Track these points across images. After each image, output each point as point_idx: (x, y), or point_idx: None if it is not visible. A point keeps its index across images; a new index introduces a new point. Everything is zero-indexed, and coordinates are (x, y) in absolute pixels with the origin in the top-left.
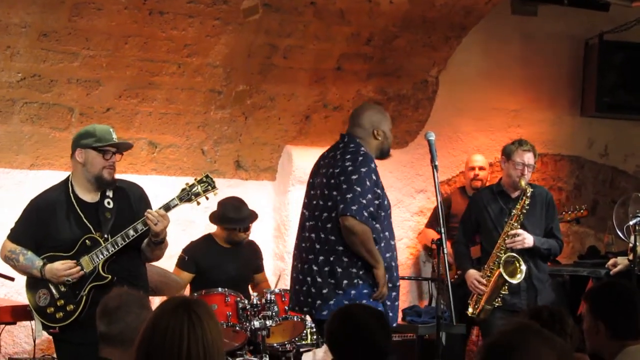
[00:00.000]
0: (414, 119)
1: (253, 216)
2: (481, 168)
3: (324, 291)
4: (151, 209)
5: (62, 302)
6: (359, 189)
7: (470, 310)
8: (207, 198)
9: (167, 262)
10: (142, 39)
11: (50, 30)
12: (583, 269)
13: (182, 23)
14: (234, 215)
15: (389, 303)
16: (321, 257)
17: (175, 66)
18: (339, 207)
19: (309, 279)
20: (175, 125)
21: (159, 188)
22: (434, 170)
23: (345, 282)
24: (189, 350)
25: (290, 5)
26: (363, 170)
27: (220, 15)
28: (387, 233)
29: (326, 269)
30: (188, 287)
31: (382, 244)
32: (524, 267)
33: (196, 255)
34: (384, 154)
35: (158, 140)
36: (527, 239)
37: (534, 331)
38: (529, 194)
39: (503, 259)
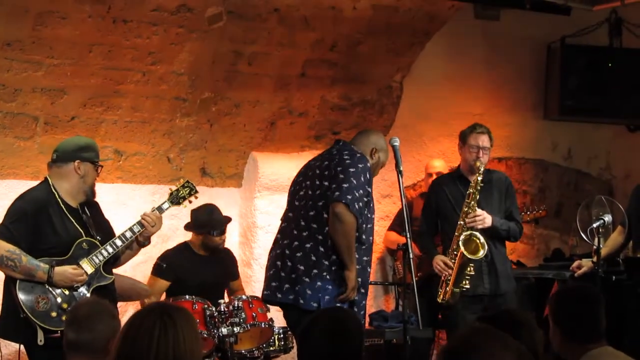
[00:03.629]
0: (379, 124)
1: (227, 220)
2: (438, 174)
3: (293, 275)
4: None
5: (66, 305)
6: (355, 181)
7: (440, 297)
8: (190, 202)
9: (134, 270)
10: (106, 47)
11: (14, 39)
12: (548, 271)
13: (146, 31)
14: (207, 220)
15: (356, 309)
16: (296, 243)
17: (139, 74)
18: (334, 193)
19: (278, 263)
20: (140, 133)
21: (126, 196)
22: (399, 175)
23: (314, 271)
24: (157, 352)
25: (254, 12)
26: (360, 165)
27: (185, 23)
28: (370, 238)
29: (299, 254)
30: (164, 295)
31: (364, 247)
32: (484, 241)
33: (173, 263)
34: (373, 173)
35: (123, 149)
36: (487, 219)
37: (491, 334)
38: (481, 171)
39: (462, 238)
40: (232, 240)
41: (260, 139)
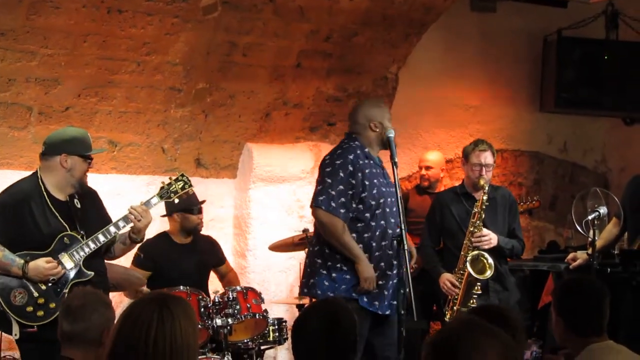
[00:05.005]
0: None
1: (201, 200)
2: (428, 167)
3: (308, 270)
4: (106, 211)
5: (43, 300)
6: (329, 180)
7: (447, 316)
8: (183, 196)
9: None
10: (100, 37)
11: (8, 29)
12: (543, 263)
13: (141, 21)
14: (182, 200)
15: (386, 293)
16: (315, 239)
17: (134, 64)
18: (312, 200)
19: (307, 260)
20: (135, 123)
21: (120, 187)
22: (394, 167)
23: (329, 263)
24: (155, 343)
25: (249, 3)
26: (338, 162)
27: (180, 13)
28: (382, 222)
29: (316, 247)
30: (145, 285)
31: (377, 233)
32: (492, 261)
33: (152, 252)
34: (384, 144)
35: (118, 139)
36: (493, 239)
37: (478, 325)
38: (486, 190)
39: (469, 258)
40: (226, 231)
41: (255, 130)
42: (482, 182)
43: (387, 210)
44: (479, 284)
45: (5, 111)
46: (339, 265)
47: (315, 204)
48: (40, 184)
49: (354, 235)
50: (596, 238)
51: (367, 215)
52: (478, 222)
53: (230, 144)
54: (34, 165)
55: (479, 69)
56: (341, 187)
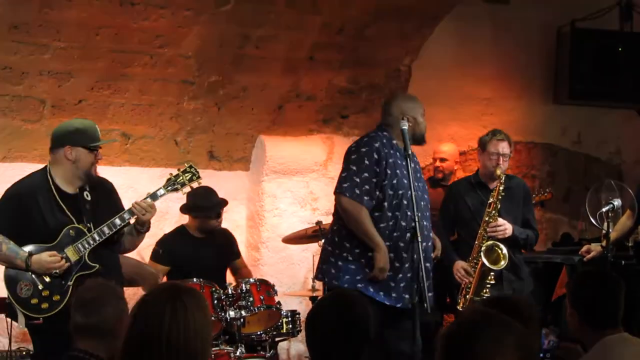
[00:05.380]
0: None
1: (223, 203)
2: (443, 159)
3: (323, 256)
4: (121, 202)
5: (48, 292)
6: (354, 167)
7: (460, 305)
8: (191, 187)
9: (136, 256)
10: (113, 30)
11: (21, 22)
12: (557, 255)
13: (153, 14)
14: (204, 203)
15: (392, 284)
16: (331, 226)
17: (147, 57)
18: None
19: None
20: (148, 116)
21: (133, 179)
22: (407, 159)
23: (336, 251)
24: (169, 336)
25: None
26: (363, 150)
27: (192, 5)
28: (397, 213)
29: (329, 235)
30: (165, 279)
31: (391, 223)
32: (506, 252)
33: (170, 247)
34: (417, 139)
35: (131, 132)
36: (508, 229)
37: (493, 317)
38: (502, 180)
39: (483, 248)
40: (239, 223)
41: (268, 122)
42: (498, 171)
43: (406, 203)
44: (492, 274)
45: (19, 104)
46: (345, 254)
47: (339, 190)
48: (49, 177)
49: None
50: (610, 230)
51: (385, 204)
52: (494, 211)
53: (243, 136)
54: (47, 159)
55: (492, 61)
56: (366, 174)
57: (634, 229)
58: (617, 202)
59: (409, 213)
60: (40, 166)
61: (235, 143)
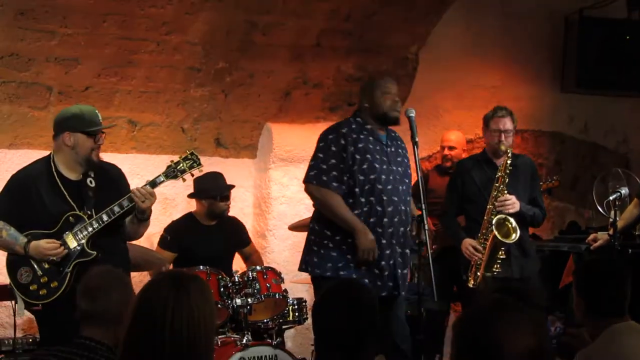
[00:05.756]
0: None
1: (230, 185)
2: (451, 147)
3: (305, 247)
4: (129, 188)
5: (46, 279)
6: (320, 154)
7: (471, 282)
8: (192, 175)
9: (146, 242)
10: (120, 17)
11: (27, 8)
12: (564, 244)
13: (160, 0)
14: (211, 186)
15: (377, 271)
16: (313, 215)
17: (154, 44)
18: None
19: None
20: (154, 103)
21: (139, 166)
22: (415, 146)
23: (317, 240)
24: (172, 324)
25: None
26: (330, 137)
27: None
28: (371, 198)
29: (311, 224)
30: (171, 266)
31: (365, 209)
32: (516, 225)
33: (178, 234)
34: (380, 119)
35: (138, 119)
36: (516, 204)
37: (507, 303)
38: (509, 154)
39: (494, 221)
40: (246, 211)
41: (275, 109)
42: (502, 147)
43: (380, 187)
44: (503, 248)
45: (26, 91)
46: (325, 242)
47: (306, 179)
48: (52, 164)
49: None
50: (617, 219)
51: (357, 190)
52: (502, 186)
53: (250, 123)
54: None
55: (499, 49)
56: (333, 160)
57: None
58: (624, 191)
59: (384, 197)
60: (46, 153)
61: (242, 130)
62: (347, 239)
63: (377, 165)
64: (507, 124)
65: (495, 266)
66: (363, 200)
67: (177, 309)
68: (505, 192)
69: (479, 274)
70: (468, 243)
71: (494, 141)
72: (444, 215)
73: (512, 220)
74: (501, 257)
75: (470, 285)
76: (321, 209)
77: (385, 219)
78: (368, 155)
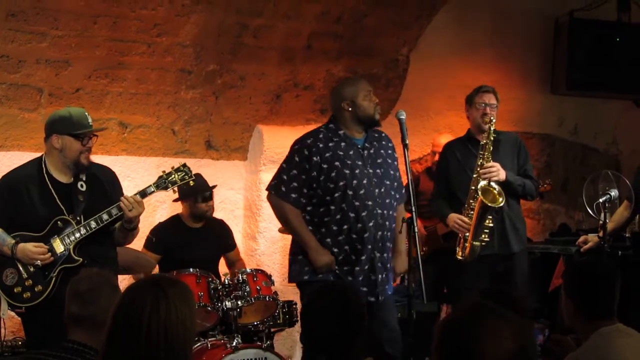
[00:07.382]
0: (385, 97)
1: (209, 187)
2: None
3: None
4: (122, 192)
5: (31, 282)
6: (284, 165)
7: (459, 253)
8: (183, 187)
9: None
10: (111, 18)
11: (18, 10)
12: (554, 246)
13: (151, 2)
14: (191, 187)
15: (350, 279)
16: None
17: (145, 46)
18: None
19: None
20: (145, 105)
21: (130, 168)
22: (405, 149)
23: (296, 245)
24: (149, 327)
25: None
26: (295, 147)
27: None
28: (343, 205)
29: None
30: (157, 268)
31: (338, 216)
32: (500, 189)
33: (164, 236)
34: (363, 121)
35: (128, 121)
36: (501, 172)
37: (488, 308)
38: (492, 122)
39: (480, 187)
40: (236, 213)
41: (265, 112)
42: (486, 119)
43: (351, 193)
44: (489, 216)
45: (16, 93)
46: (299, 248)
47: (267, 188)
48: (43, 167)
49: (316, 219)
50: (607, 221)
51: (328, 199)
52: (486, 153)
53: (241, 125)
54: (44, 147)
55: (490, 51)
56: (295, 171)
57: (631, 219)
58: (614, 193)
59: (356, 203)
60: (37, 155)
61: (232, 132)
62: (320, 241)
63: (347, 171)
64: (492, 98)
65: (484, 235)
66: (334, 208)
67: (153, 313)
68: (490, 159)
69: (466, 244)
70: (455, 217)
71: (479, 114)
72: (432, 200)
73: (495, 186)
74: (489, 225)
75: (459, 257)
76: (278, 219)
77: (359, 225)
78: (337, 163)
